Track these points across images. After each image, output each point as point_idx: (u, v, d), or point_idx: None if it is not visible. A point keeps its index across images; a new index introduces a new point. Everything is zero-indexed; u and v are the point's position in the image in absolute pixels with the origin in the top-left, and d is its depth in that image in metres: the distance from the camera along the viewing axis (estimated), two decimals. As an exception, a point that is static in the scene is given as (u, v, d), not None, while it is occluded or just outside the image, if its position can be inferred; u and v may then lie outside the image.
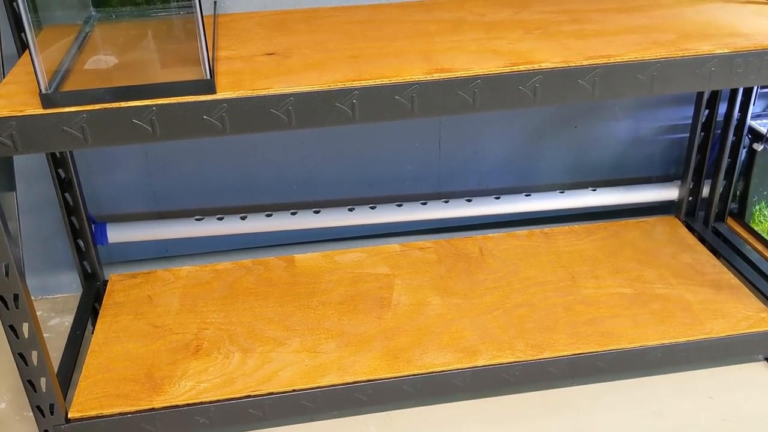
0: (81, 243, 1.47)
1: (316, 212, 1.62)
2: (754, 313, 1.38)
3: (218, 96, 0.95)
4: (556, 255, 1.58)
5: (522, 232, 1.66)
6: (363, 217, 1.64)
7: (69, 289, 1.67)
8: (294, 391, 1.23)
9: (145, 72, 1.02)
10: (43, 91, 0.92)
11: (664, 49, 1.06)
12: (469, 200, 1.69)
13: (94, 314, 1.46)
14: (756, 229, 1.60)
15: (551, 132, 1.70)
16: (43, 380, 1.14)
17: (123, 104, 0.94)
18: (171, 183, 1.59)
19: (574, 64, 1.03)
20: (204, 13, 0.93)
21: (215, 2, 1.35)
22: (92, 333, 1.39)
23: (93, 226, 1.51)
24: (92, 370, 1.29)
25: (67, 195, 1.41)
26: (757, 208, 1.60)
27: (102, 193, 1.58)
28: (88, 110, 0.93)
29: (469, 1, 1.36)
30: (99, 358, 1.32)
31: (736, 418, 1.29)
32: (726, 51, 1.06)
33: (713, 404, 1.32)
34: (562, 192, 1.70)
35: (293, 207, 1.64)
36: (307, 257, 1.58)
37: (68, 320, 1.56)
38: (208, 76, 0.94)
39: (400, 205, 1.67)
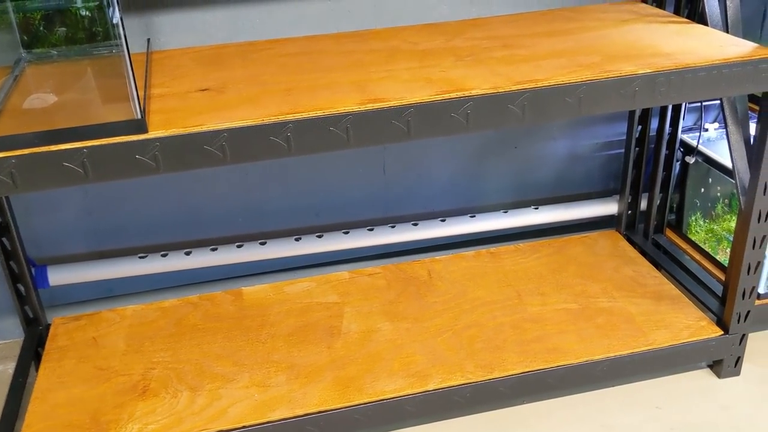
0: (21, 287, 1.44)
1: (263, 244, 1.61)
2: (694, 321, 1.42)
3: (150, 135, 0.95)
4: (502, 274, 1.60)
5: (469, 252, 1.68)
6: (310, 246, 1.64)
7: (11, 335, 1.62)
8: (244, 427, 1.22)
9: (75, 114, 1.01)
10: (-31, 138, 0.90)
11: (589, 71, 1.10)
12: (416, 224, 1.70)
13: (38, 360, 1.43)
14: (693, 239, 1.64)
15: (492, 153, 1.73)
16: (-18, 433, 1.11)
17: (53, 148, 0.93)
18: (112, 221, 1.57)
19: (503, 90, 1.05)
20: (137, 51, 0.93)
21: (149, 39, 1.35)
22: (36, 379, 1.35)
23: (33, 269, 1.48)
24: (35, 418, 1.26)
25: (4, 239, 1.38)
26: (693, 218, 1.65)
27: (42, 235, 1.55)
28: (16, 155, 0.92)
29: (403, 30, 1.38)
30: (42, 405, 1.29)
31: (682, 426, 1.32)
32: (649, 71, 1.10)
33: (660, 414, 1.34)
34: (506, 212, 1.73)
35: (239, 239, 1.64)
36: (254, 290, 1.57)
37: (11, 367, 1.51)
38: (139, 116, 0.94)
39: (347, 233, 1.67)
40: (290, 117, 1.00)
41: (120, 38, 0.91)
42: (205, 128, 0.97)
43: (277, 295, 1.55)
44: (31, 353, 1.42)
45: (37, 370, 1.41)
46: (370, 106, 1.02)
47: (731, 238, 1.39)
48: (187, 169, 0.98)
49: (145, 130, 0.95)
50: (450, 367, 1.33)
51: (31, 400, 1.30)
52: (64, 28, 1.17)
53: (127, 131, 0.94)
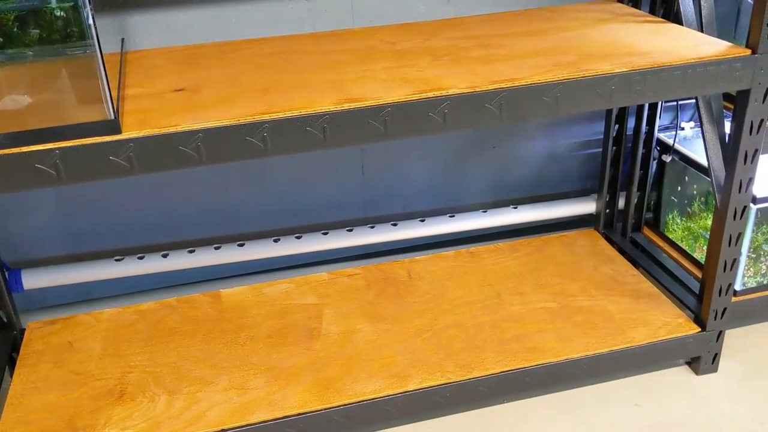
0: (-6, 292, 1.42)
1: (241, 245, 1.60)
2: (672, 319, 1.43)
3: (124, 136, 0.94)
4: (482, 274, 1.60)
5: (448, 252, 1.68)
6: (289, 247, 1.63)
7: (-15, 340, 1.60)
8: (222, 430, 1.21)
9: (47, 114, 0.99)
10: (-63, 140, 0.88)
11: (566, 70, 1.10)
12: (395, 224, 1.70)
13: (12, 365, 1.40)
14: (670, 236, 1.66)
15: (472, 153, 1.73)
16: (-46, 440, 1.09)
17: (24, 149, 0.91)
18: (88, 223, 1.55)
19: (480, 89, 1.05)
20: (112, 51, 0.92)
21: (123, 39, 1.33)
22: (10, 385, 1.33)
23: (7, 273, 1.46)
24: (9, 424, 1.24)
25: (-24, 243, 1.36)
26: (670, 216, 1.66)
27: (16, 238, 1.52)
28: (-14, 157, 0.90)
29: (380, 29, 1.37)
30: (17, 411, 1.27)
31: (661, 423, 1.32)
32: (624, 70, 1.10)
33: (640, 411, 1.35)
34: (485, 211, 1.73)
35: (217, 241, 1.62)
36: (233, 292, 1.55)
37: (-16, 373, 1.49)
38: (112, 116, 0.92)
39: (326, 233, 1.66)
40: (266, 117, 0.99)
41: (92, 38, 0.89)
42: (180, 129, 0.96)
43: (255, 296, 1.54)
44: (5, 358, 1.40)
45: (11, 375, 1.39)
46: (347, 106, 1.01)
47: (708, 236, 1.40)
48: (162, 170, 0.97)
49: (118, 131, 0.93)
50: (430, 368, 1.33)
51: (5, 406, 1.28)
52: (37, 30, 1.15)
53: (100, 132, 0.92)
